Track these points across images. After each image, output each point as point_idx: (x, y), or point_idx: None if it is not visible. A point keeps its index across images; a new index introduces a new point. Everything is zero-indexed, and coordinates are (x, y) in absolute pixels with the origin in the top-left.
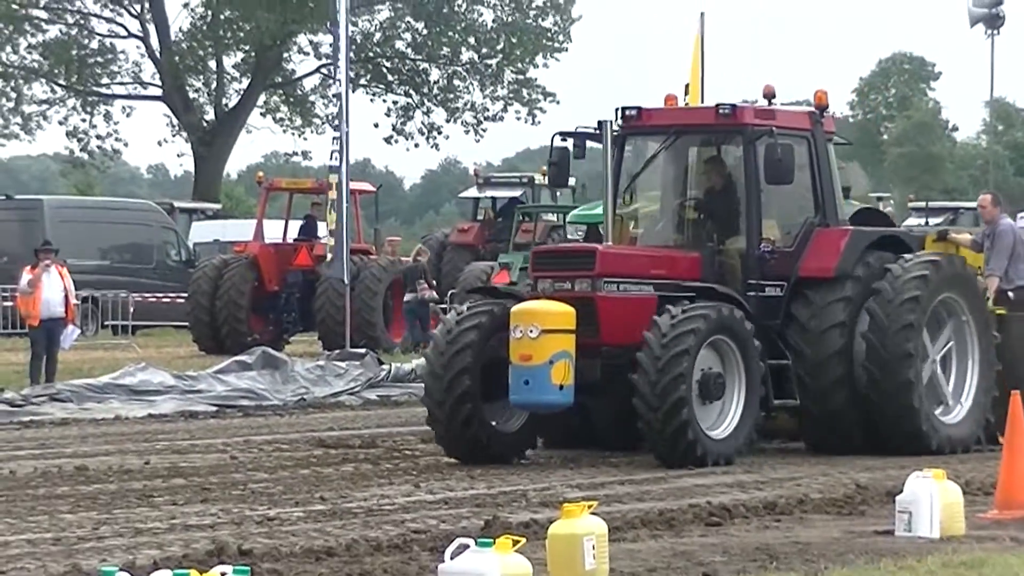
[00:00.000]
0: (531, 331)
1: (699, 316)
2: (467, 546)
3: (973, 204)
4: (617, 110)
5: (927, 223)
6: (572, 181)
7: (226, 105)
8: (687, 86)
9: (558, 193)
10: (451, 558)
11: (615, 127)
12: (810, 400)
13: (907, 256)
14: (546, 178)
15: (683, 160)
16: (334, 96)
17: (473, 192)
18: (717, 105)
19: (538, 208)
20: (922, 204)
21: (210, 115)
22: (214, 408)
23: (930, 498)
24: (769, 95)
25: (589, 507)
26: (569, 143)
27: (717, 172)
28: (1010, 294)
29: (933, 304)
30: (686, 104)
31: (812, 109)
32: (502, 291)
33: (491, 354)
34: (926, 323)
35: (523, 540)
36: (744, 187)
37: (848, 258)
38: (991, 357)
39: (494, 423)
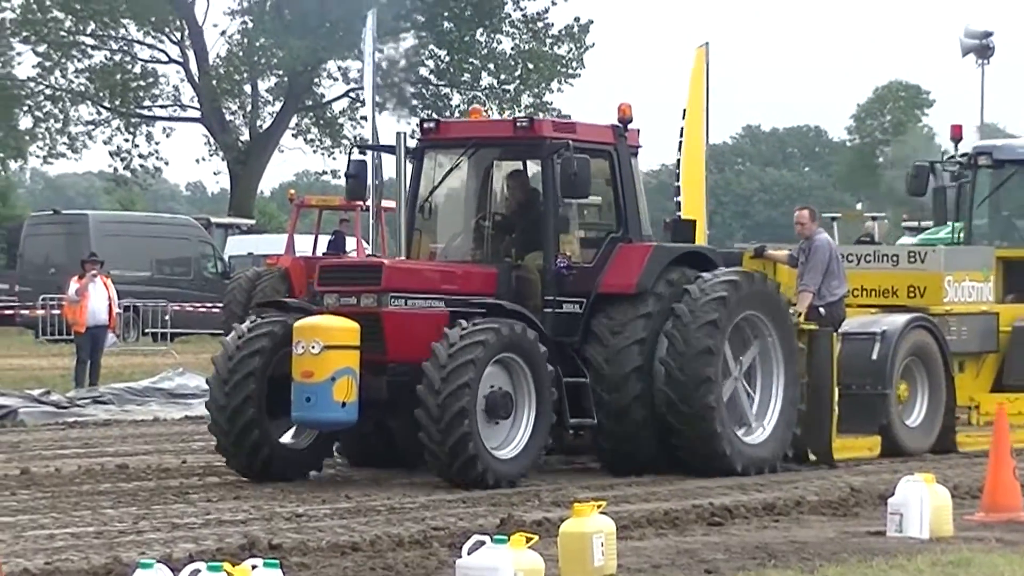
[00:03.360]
0: (313, 347)
1: (483, 335)
2: (483, 542)
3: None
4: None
5: None
6: None
7: (260, 126)
8: (684, 111)
9: (585, 212)
10: (468, 554)
11: (413, 140)
12: (607, 418)
13: (705, 275)
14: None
15: (482, 173)
16: (362, 118)
17: None
18: (515, 118)
19: None
20: (915, 224)
21: (245, 136)
22: None
23: (920, 501)
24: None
25: (598, 507)
26: (367, 156)
27: (516, 186)
28: (821, 310)
29: (734, 323)
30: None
31: (615, 123)
32: (292, 305)
33: (280, 369)
34: (729, 340)
35: (536, 537)
36: (542, 201)
37: (649, 274)
38: (796, 373)
39: (284, 440)
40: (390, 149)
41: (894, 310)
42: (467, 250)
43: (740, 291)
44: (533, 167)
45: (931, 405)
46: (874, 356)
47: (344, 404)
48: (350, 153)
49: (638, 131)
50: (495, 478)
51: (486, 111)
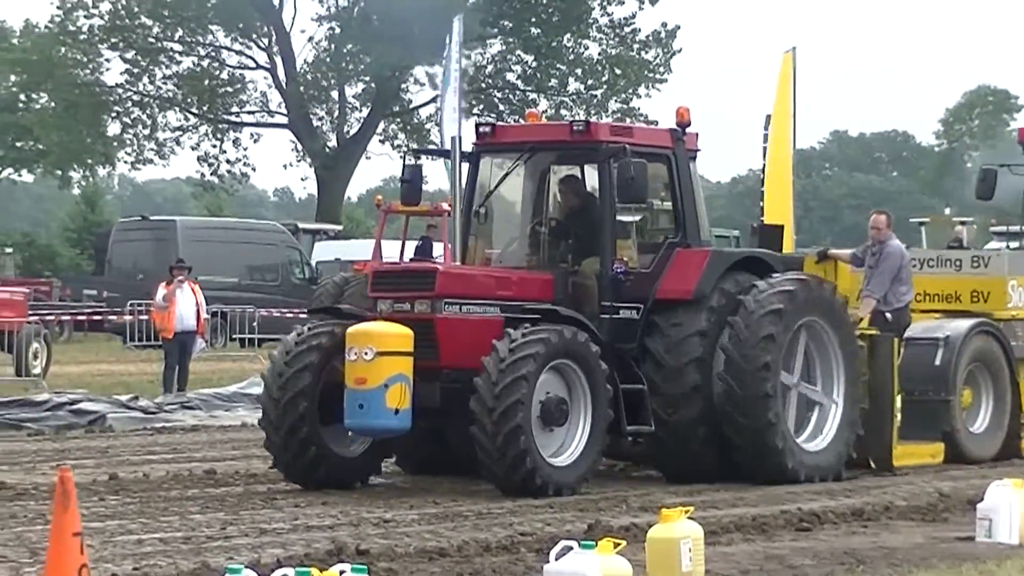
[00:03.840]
0: (366, 353)
1: (538, 341)
2: (571, 548)
3: None
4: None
5: (1007, 246)
6: None
7: (347, 132)
8: (768, 116)
9: (667, 219)
10: (556, 559)
11: (469, 144)
12: (665, 426)
13: (759, 285)
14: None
15: (538, 178)
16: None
17: None
18: (571, 122)
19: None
20: (1003, 228)
21: (332, 141)
22: None
23: (1009, 506)
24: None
25: (686, 512)
26: (422, 161)
27: (573, 190)
28: (888, 316)
29: (791, 333)
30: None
31: (673, 127)
32: (346, 311)
33: (334, 377)
34: (788, 346)
35: (624, 543)
36: (599, 206)
37: (707, 280)
38: (857, 388)
39: (336, 447)
40: (446, 153)
41: (958, 315)
42: (523, 255)
43: (796, 300)
44: (590, 171)
45: (996, 411)
46: (937, 362)
47: (397, 411)
48: (404, 157)
49: (697, 135)
50: (549, 485)
51: (575, 113)
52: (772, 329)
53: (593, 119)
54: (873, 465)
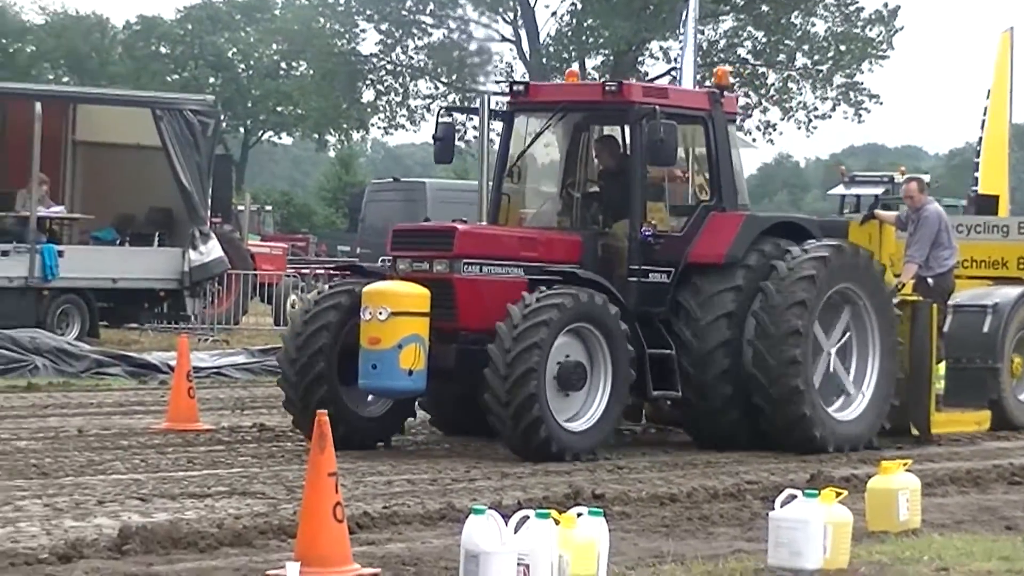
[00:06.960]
0: (380, 313)
1: (552, 307)
2: (795, 496)
3: None
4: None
5: None
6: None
7: None
8: (988, 91)
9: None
10: (781, 506)
11: (501, 104)
12: (693, 392)
13: (794, 251)
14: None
15: (571, 138)
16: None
17: (840, 190)
18: (604, 82)
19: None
20: None
21: None
22: None
23: None
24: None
25: (904, 465)
26: (454, 119)
27: (609, 151)
28: (929, 281)
29: (825, 299)
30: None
31: (712, 88)
32: (368, 270)
33: (354, 336)
34: (822, 313)
35: (845, 492)
36: (630, 167)
37: (740, 244)
38: (894, 360)
39: (356, 408)
40: (474, 111)
41: (1006, 282)
42: (555, 216)
43: (830, 266)
44: (617, 132)
45: None
46: (985, 329)
47: (411, 372)
48: (438, 116)
49: (736, 98)
50: (565, 451)
51: (801, 87)
52: (804, 295)
53: (624, 80)
54: (914, 432)
